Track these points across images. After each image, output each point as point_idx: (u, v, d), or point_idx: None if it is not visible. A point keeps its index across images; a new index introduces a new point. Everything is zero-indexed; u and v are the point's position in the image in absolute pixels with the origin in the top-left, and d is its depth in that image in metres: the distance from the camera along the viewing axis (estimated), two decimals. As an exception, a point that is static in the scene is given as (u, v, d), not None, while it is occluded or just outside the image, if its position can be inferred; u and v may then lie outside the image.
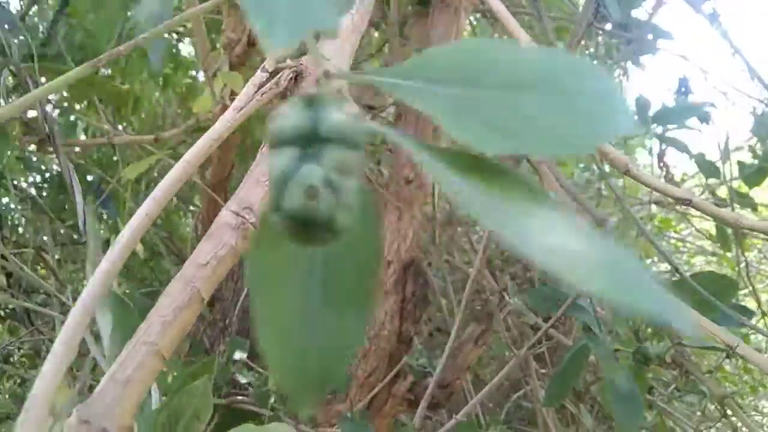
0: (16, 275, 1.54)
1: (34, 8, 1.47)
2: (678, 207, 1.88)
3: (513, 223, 0.23)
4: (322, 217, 0.22)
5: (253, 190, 0.41)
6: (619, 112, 0.26)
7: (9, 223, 1.78)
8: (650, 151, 1.67)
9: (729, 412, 1.00)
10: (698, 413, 1.42)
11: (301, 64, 0.48)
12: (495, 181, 0.25)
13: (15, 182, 1.65)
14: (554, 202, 0.24)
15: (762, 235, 1.70)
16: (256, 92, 0.47)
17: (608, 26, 1.42)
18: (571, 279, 0.21)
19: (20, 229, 1.86)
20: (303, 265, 0.27)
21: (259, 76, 0.48)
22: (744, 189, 1.61)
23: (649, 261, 2.05)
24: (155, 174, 1.61)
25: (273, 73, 0.48)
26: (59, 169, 1.66)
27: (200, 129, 1.31)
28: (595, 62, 1.69)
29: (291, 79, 0.48)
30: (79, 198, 0.84)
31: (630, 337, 1.08)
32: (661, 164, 1.70)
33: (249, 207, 0.40)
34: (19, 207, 1.79)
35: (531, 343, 1.21)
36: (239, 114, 0.45)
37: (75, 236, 1.73)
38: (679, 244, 2.24)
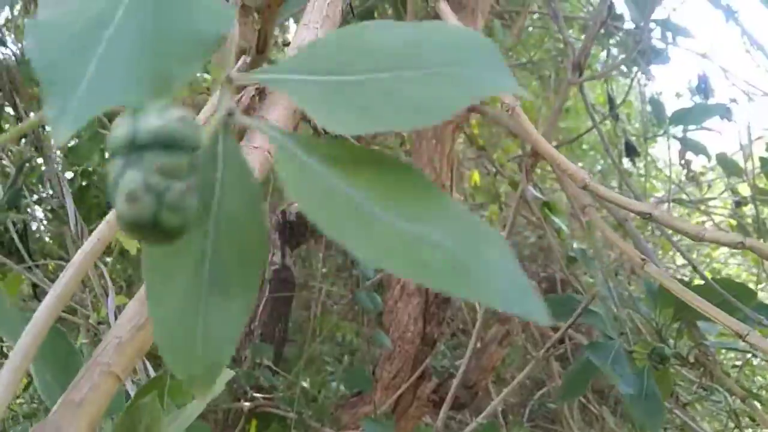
0: (41, 286, 1.55)
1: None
2: (699, 205, 1.87)
3: (356, 226, 0.24)
4: (145, 219, 0.23)
5: None
6: (489, 73, 0.27)
7: (35, 235, 1.80)
8: (668, 148, 1.66)
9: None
10: (724, 412, 1.41)
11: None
12: (374, 170, 0.26)
13: (36, 195, 1.66)
14: (429, 189, 0.25)
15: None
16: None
17: (625, 25, 1.43)
18: (399, 270, 0.22)
19: (45, 238, 1.88)
20: (192, 254, 0.28)
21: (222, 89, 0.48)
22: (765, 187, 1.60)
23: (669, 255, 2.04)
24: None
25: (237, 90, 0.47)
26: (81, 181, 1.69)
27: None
28: (612, 61, 1.69)
29: (254, 96, 0.47)
30: (69, 203, 0.85)
31: (647, 338, 1.08)
32: (683, 162, 1.70)
33: None
34: (43, 218, 1.80)
35: (550, 344, 1.21)
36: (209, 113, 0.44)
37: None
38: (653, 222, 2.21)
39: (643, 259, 0.70)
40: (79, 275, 0.35)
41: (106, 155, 0.24)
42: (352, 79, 0.28)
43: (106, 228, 0.37)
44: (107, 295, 0.82)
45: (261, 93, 0.47)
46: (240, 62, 0.70)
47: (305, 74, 0.28)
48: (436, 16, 1.54)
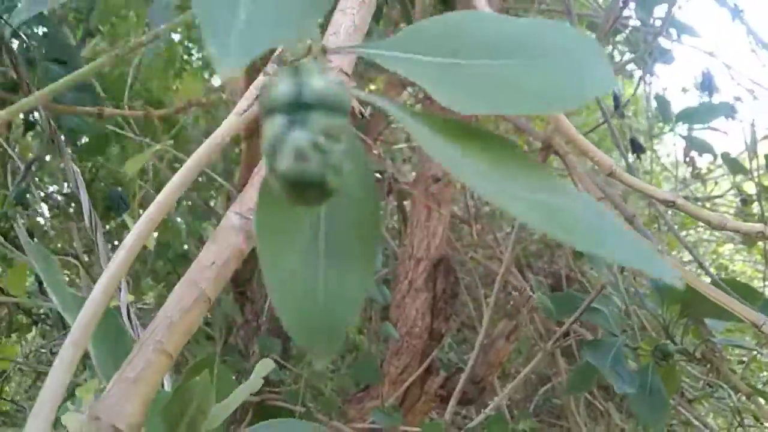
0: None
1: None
2: (704, 203, 1.87)
3: (498, 184, 0.24)
4: (311, 176, 0.24)
5: (257, 192, 0.41)
6: (598, 72, 0.28)
7: (40, 229, 1.81)
8: (674, 145, 1.67)
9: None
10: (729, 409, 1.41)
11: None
12: (483, 145, 0.27)
13: (42, 191, 1.67)
14: (536, 164, 0.27)
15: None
16: (258, 96, 0.47)
17: (631, 22, 1.43)
18: (554, 233, 0.23)
19: (51, 234, 1.89)
20: (308, 221, 0.29)
21: (261, 79, 0.47)
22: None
23: (674, 253, 2.04)
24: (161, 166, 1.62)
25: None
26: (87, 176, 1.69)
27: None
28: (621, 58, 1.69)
29: None
30: (84, 197, 0.85)
31: (651, 335, 1.09)
32: (687, 159, 1.70)
33: (253, 208, 0.40)
34: (49, 214, 1.81)
35: (556, 337, 1.22)
36: (242, 117, 0.45)
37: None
38: (708, 233, 2.23)
39: (658, 250, 0.71)
40: (131, 257, 0.36)
41: (264, 111, 0.25)
42: (468, 63, 0.28)
43: (155, 210, 0.38)
44: (119, 289, 0.83)
45: None
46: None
47: (415, 53, 0.29)
48: (441, 12, 1.54)
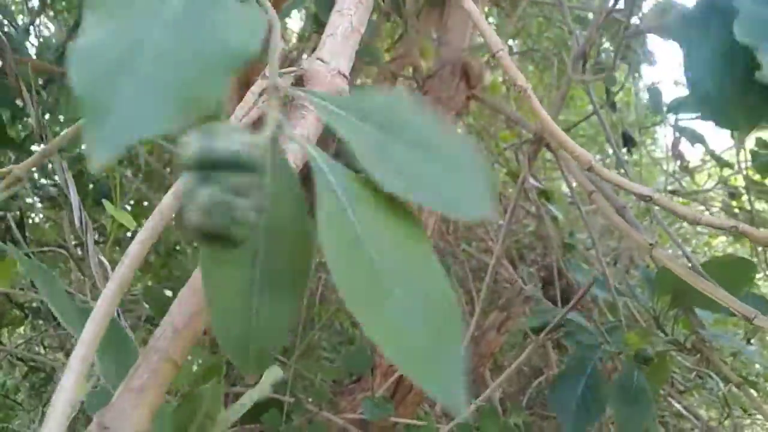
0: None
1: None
2: (695, 196, 1.88)
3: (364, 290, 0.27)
4: (217, 230, 0.26)
5: None
6: (481, 196, 0.31)
7: (30, 221, 1.80)
8: (665, 137, 1.67)
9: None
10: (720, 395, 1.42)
11: (301, 68, 0.48)
12: (391, 222, 0.29)
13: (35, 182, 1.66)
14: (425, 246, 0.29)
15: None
16: (256, 100, 0.47)
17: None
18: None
19: (40, 227, 1.88)
20: (246, 255, 0.32)
21: (260, 84, 0.48)
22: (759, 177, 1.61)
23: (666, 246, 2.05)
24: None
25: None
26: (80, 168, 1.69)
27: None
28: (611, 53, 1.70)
29: (292, 84, 0.48)
30: (74, 197, 0.85)
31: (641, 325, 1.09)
32: (675, 153, 1.71)
33: None
34: (40, 205, 1.80)
35: (548, 329, 1.22)
36: (241, 123, 0.45)
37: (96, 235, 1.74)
38: (699, 226, 2.24)
39: (651, 244, 0.71)
40: (135, 265, 0.36)
41: (179, 170, 0.27)
42: (394, 140, 0.31)
43: (158, 218, 0.38)
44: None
45: (298, 81, 0.48)
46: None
47: (359, 119, 0.31)
48: (433, 6, 1.54)
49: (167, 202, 0.39)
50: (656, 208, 1.52)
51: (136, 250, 0.36)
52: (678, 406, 1.41)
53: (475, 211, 0.31)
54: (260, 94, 0.47)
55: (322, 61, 0.46)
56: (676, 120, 1.58)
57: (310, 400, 1.26)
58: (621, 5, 1.15)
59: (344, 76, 0.47)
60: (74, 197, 0.88)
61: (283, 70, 0.46)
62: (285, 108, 0.47)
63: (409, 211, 0.30)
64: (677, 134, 1.61)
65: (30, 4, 1.53)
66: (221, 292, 0.32)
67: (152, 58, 0.25)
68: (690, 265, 1.19)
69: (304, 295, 0.33)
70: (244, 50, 0.27)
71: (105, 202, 1.30)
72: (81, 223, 0.84)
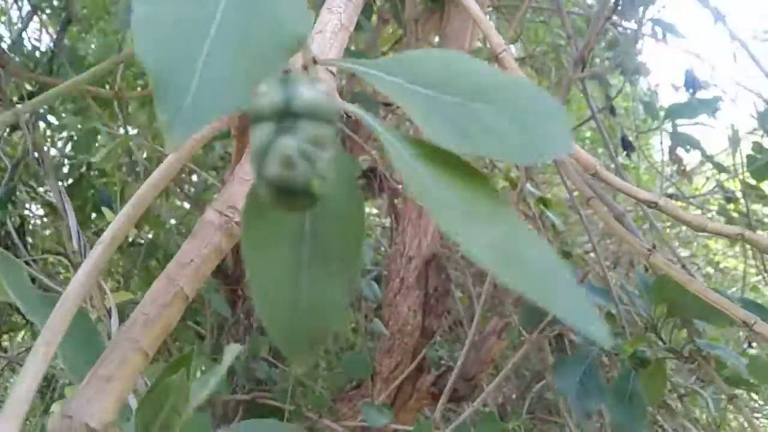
0: (39, 281, 1.55)
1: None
2: (692, 201, 1.88)
3: (460, 218, 0.25)
4: (298, 183, 0.24)
5: (237, 189, 0.41)
6: (560, 134, 0.30)
7: (30, 227, 1.79)
8: (661, 143, 1.68)
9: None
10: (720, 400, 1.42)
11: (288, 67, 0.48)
12: (457, 174, 0.28)
13: (32, 189, 1.66)
14: (504, 203, 0.28)
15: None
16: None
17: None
18: (504, 279, 0.23)
19: (40, 233, 1.88)
20: (293, 227, 0.30)
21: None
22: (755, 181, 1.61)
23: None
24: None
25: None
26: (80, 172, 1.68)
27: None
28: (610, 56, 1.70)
29: None
30: (72, 219, 0.84)
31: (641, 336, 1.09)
32: (673, 157, 1.71)
33: (233, 206, 0.39)
34: (41, 212, 1.80)
35: (540, 328, 1.22)
36: (226, 116, 0.45)
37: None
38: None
39: (649, 250, 0.71)
40: (107, 256, 0.36)
41: (252, 118, 0.25)
42: (452, 99, 0.30)
43: (124, 219, 0.38)
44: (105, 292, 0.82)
45: None
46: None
47: (405, 80, 0.30)
48: (433, 11, 1.54)
49: (138, 195, 0.39)
50: (650, 213, 1.52)
51: (107, 239, 0.36)
52: (678, 405, 1.41)
53: (552, 151, 0.30)
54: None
55: None
56: (674, 125, 1.59)
57: (309, 407, 1.26)
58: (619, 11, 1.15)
59: (332, 72, 0.47)
60: (72, 220, 0.87)
61: (334, 66, 0.46)
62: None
63: (467, 165, 0.29)
64: (675, 138, 1.62)
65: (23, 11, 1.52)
66: (266, 272, 0.29)
67: (224, 35, 0.25)
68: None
69: (357, 274, 0.31)
70: (301, 32, 0.27)
71: (105, 210, 1.30)
72: (79, 246, 0.84)
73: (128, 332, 0.34)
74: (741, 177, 1.54)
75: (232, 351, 0.58)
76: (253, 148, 0.25)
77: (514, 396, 1.73)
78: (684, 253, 2.04)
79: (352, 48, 1.65)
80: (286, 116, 0.24)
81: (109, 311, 0.77)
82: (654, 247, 0.75)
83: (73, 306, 0.33)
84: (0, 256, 0.46)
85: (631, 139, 1.64)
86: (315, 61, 0.31)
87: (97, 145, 1.59)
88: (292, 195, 0.24)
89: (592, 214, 1.49)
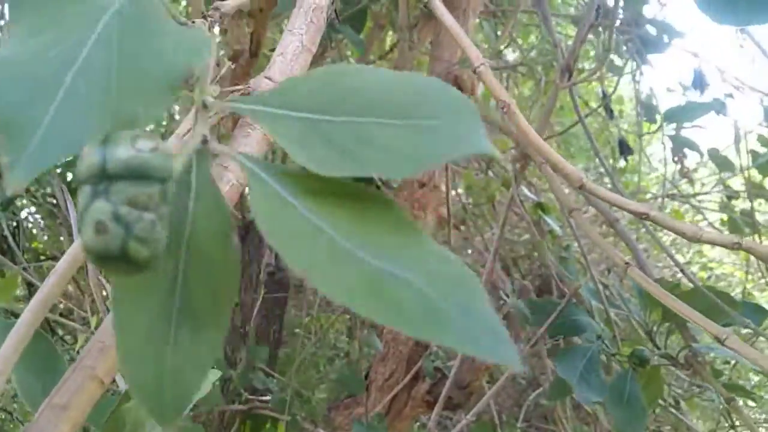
0: (37, 285, 1.55)
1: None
2: (692, 199, 1.87)
3: (326, 264, 0.24)
4: (111, 249, 0.23)
5: None
6: (469, 133, 0.28)
7: (27, 231, 1.80)
8: (663, 144, 1.67)
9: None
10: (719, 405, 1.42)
11: (248, 86, 0.47)
12: (346, 202, 0.26)
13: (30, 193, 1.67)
14: (414, 231, 0.26)
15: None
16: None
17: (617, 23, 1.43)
18: (376, 317, 0.22)
19: (38, 237, 1.89)
20: (162, 285, 0.28)
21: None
22: (757, 179, 1.60)
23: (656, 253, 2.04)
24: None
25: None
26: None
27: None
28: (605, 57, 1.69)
29: (225, 117, 0.47)
30: (74, 219, 0.84)
31: (636, 339, 1.09)
32: (675, 158, 1.70)
33: None
34: (38, 216, 1.81)
35: (534, 340, 1.21)
36: (183, 139, 0.45)
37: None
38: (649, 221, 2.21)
39: (626, 263, 0.70)
40: (63, 282, 0.36)
41: (76, 183, 0.24)
42: (331, 119, 0.28)
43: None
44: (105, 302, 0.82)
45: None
46: (224, 69, 0.69)
47: (284, 109, 0.29)
48: (429, 15, 1.53)
49: None
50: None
51: (63, 267, 0.36)
52: (676, 412, 1.41)
53: (459, 152, 0.27)
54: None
55: (271, 80, 0.45)
56: (677, 128, 1.58)
57: (305, 417, 1.26)
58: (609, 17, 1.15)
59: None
60: (74, 219, 0.87)
61: (229, 89, 0.46)
62: (228, 126, 0.45)
63: (372, 194, 0.27)
64: (676, 141, 1.61)
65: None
66: (132, 325, 0.28)
67: (85, 76, 0.24)
68: (683, 276, 1.18)
69: (227, 327, 0.30)
70: (184, 69, 0.26)
71: None
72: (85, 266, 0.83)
73: (84, 360, 0.33)
74: (744, 175, 1.53)
75: (213, 375, 0.58)
76: (76, 212, 0.24)
77: (509, 404, 1.72)
78: (678, 259, 2.02)
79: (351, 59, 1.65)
80: (102, 179, 0.23)
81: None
82: (646, 252, 0.75)
83: (26, 335, 0.33)
84: None
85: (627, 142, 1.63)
86: (205, 105, 0.30)
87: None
88: (111, 261, 0.23)
89: (587, 218, 1.48)
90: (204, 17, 0.41)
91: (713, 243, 0.65)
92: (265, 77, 0.45)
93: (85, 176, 0.23)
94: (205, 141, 0.29)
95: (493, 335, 0.22)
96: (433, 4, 0.62)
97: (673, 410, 1.41)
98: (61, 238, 1.70)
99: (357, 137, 0.27)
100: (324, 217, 0.25)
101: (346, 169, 0.26)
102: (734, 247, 0.62)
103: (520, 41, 1.91)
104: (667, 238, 2.00)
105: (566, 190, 1.01)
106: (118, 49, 0.26)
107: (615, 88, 1.40)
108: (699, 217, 2.05)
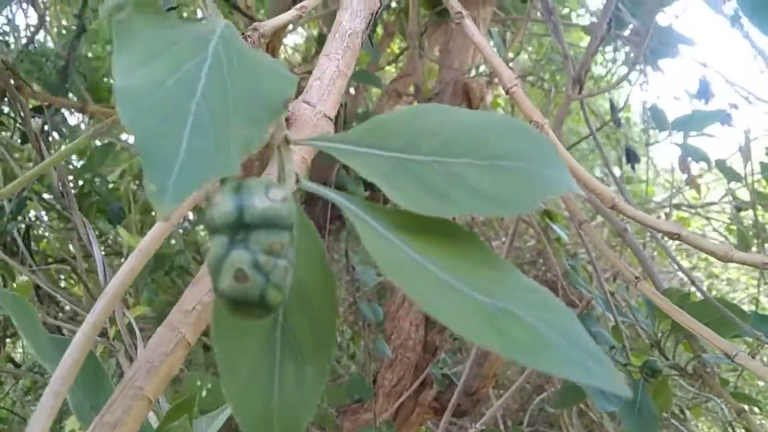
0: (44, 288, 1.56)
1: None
2: (698, 209, 1.88)
3: (437, 294, 0.24)
4: (251, 296, 0.24)
5: None
6: (552, 176, 0.29)
7: (35, 233, 1.81)
8: (670, 153, 1.67)
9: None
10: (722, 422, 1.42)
11: (287, 110, 0.48)
12: (441, 238, 0.27)
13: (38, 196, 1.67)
14: (495, 260, 0.26)
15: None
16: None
17: (626, 32, 1.43)
18: (495, 348, 0.23)
19: (46, 240, 1.89)
20: (263, 324, 0.29)
21: None
22: (765, 191, 1.61)
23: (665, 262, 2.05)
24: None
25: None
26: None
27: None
28: (615, 66, 1.70)
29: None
30: (98, 254, 0.85)
31: (644, 349, 1.09)
32: (682, 167, 1.70)
33: None
34: (46, 218, 1.81)
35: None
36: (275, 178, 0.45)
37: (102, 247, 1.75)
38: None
39: (636, 277, 0.71)
40: (112, 305, 0.36)
41: (208, 230, 0.25)
42: (419, 158, 0.29)
43: (135, 259, 0.39)
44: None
45: (286, 121, 0.48)
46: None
47: (372, 148, 0.29)
48: (437, 26, 1.54)
49: (149, 238, 0.39)
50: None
51: (113, 290, 0.37)
52: (681, 428, 1.41)
53: (550, 193, 0.28)
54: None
55: (309, 104, 0.46)
56: (685, 136, 1.59)
57: (313, 422, 1.27)
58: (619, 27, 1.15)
59: (329, 118, 0.47)
60: (98, 254, 0.88)
61: (307, 144, 0.47)
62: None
63: (452, 226, 0.27)
64: (683, 149, 1.61)
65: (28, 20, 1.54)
66: (238, 364, 0.29)
67: (207, 102, 0.24)
68: (693, 287, 1.19)
69: (332, 360, 0.30)
70: (283, 98, 0.27)
71: (121, 229, 1.32)
72: (104, 277, 0.84)
73: (133, 380, 0.35)
74: (750, 185, 1.54)
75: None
76: (208, 260, 0.25)
77: (516, 408, 1.73)
78: (684, 264, 2.03)
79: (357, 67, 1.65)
80: (239, 228, 0.24)
81: (128, 328, 0.78)
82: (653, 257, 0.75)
83: (81, 355, 0.34)
84: (12, 298, 0.47)
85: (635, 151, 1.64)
86: (288, 141, 0.31)
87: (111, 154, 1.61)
88: (247, 307, 0.24)
89: (594, 225, 1.49)
90: (244, 37, 0.42)
91: (744, 263, 0.65)
92: (303, 101, 0.46)
93: (221, 225, 0.24)
94: (298, 180, 0.30)
95: (598, 361, 0.23)
96: (464, 23, 0.63)
97: (677, 420, 1.41)
98: (70, 246, 1.70)
99: (446, 177, 0.28)
100: (423, 253, 0.26)
101: (439, 208, 0.27)
102: (765, 267, 0.62)
103: (530, 49, 1.92)
104: (671, 243, 2.00)
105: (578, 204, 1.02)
106: (229, 75, 0.26)
107: (626, 102, 1.40)
108: (704, 222, 2.06)
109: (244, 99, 0.26)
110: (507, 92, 0.60)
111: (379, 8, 0.55)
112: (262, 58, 0.29)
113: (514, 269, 0.27)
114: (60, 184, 0.88)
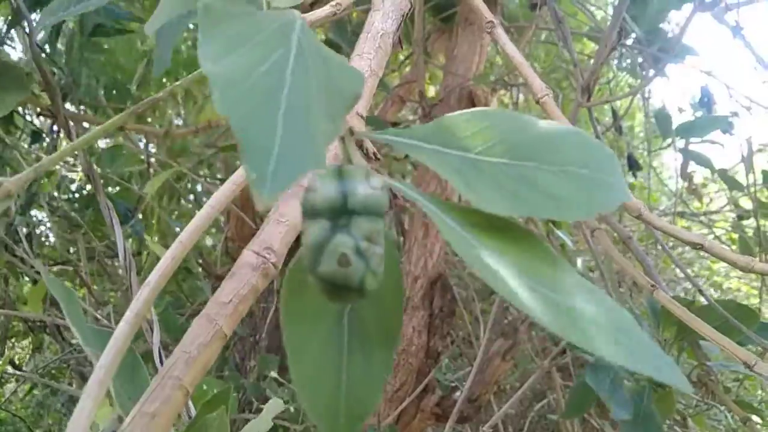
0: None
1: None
2: (701, 217, 1.88)
3: (517, 281, 0.25)
4: (353, 281, 0.25)
5: (273, 231, 0.41)
6: (615, 184, 0.29)
7: (38, 235, 1.81)
8: (675, 160, 1.67)
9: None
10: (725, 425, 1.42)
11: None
12: (508, 237, 0.27)
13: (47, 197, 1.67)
14: (558, 261, 0.27)
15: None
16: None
17: (631, 40, 1.44)
18: (569, 336, 0.23)
19: (49, 243, 1.89)
20: (332, 311, 0.30)
21: None
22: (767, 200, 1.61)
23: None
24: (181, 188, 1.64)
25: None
26: (89, 187, 1.69)
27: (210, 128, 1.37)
28: (621, 73, 1.70)
29: None
30: (121, 243, 0.85)
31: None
32: (684, 174, 1.71)
33: (269, 247, 0.40)
34: (48, 221, 1.81)
35: (553, 355, 1.22)
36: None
37: (106, 251, 1.75)
38: (704, 253, 2.22)
39: (653, 286, 0.71)
40: (154, 294, 0.37)
41: (306, 213, 0.25)
42: (491, 160, 0.29)
43: (179, 250, 0.39)
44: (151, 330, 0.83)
45: None
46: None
47: (441, 146, 0.30)
48: (442, 31, 1.54)
49: (190, 229, 0.40)
50: (658, 233, 1.52)
51: (156, 279, 0.37)
52: None
53: (610, 202, 0.29)
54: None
55: None
56: (687, 143, 1.59)
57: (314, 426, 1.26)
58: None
59: (361, 116, 0.48)
60: (121, 243, 0.88)
61: (370, 138, 0.47)
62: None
63: (518, 228, 0.28)
64: (686, 156, 1.62)
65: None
66: (306, 353, 0.30)
67: (296, 92, 0.25)
68: (700, 295, 1.19)
69: (395, 353, 0.31)
70: (357, 93, 0.27)
71: (146, 237, 1.33)
72: (126, 264, 0.84)
73: (171, 370, 0.35)
74: (753, 194, 1.54)
75: (274, 407, 0.59)
76: (307, 243, 0.25)
77: (515, 415, 1.72)
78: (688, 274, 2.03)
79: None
80: (342, 213, 0.25)
81: (149, 323, 0.79)
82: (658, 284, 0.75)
83: (124, 346, 0.35)
84: (62, 286, 0.48)
85: (639, 158, 1.64)
86: (352, 133, 0.31)
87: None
88: (346, 291, 0.25)
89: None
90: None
91: (765, 273, 0.65)
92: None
93: (323, 209, 0.25)
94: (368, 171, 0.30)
95: (665, 360, 0.24)
96: (495, 33, 0.63)
97: (679, 427, 1.41)
98: (71, 249, 1.70)
99: (517, 179, 0.28)
100: (493, 251, 0.26)
101: (510, 207, 0.27)
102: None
103: (542, 56, 1.92)
104: (674, 250, 2.00)
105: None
106: (312, 67, 0.27)
107: (627, 109, 1.40)
108: (706, 231, 2.06)
109: (323, 92, 0.26)
110: (538, 102, 0.60)
111: (410, 9, 0.55)
112: (332, 53, 0.30)
113: (572, 270, 0.27)
114: (87, 167, 0.88)
